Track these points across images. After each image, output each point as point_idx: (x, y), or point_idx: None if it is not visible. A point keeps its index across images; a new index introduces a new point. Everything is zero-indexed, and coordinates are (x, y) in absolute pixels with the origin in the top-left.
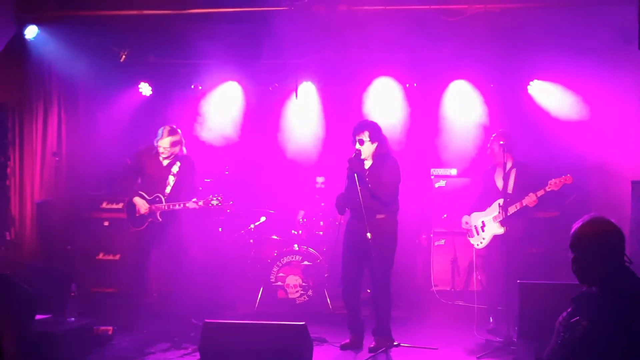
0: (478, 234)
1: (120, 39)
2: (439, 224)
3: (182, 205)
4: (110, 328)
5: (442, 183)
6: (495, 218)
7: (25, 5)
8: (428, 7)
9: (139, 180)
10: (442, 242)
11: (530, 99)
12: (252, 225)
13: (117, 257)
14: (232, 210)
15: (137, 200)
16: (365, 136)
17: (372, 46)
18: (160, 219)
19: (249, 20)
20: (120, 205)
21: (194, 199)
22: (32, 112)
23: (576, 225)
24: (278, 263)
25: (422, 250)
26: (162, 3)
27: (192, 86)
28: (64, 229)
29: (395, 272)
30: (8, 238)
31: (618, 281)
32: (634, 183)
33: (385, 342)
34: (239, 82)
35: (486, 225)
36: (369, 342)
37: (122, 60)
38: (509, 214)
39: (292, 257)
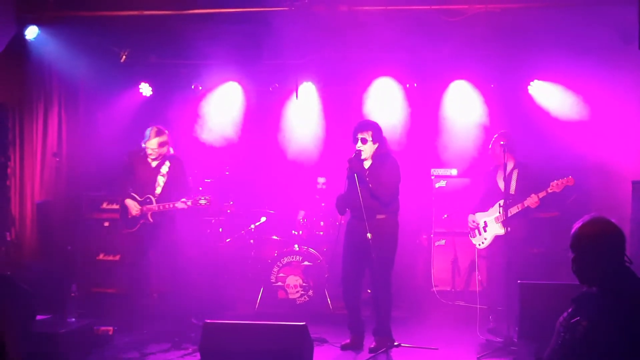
0: (480, 234)
1: (121, 39)
2: (439, 224)
3: (172, 205)
4: (111, 328)
5: (442, 183)
6: (497, 219)
7: (26, 6)
8: (428, 7)
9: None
10: (443, 242)
11: (530, 99)
12: (252, 226)
13: (117, 257)
14: (232, 211)
15: (129, 202)
16: (368, 135)
17: (372, 46)
18: (152, 220)
19: (249, 20)
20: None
21: (183, 199)
22: (32, 113)
23: (576, 226)
24: (278, 263)
25: (423, 251)
26: (163, 3)
27: (193, 86)
28: (64, 230)
29: (396, 272)
30: (8, 238)
31: (618, 281)
32: (634, 183)
33: (385, 342)
34: (239, 83)
35: (488, 226)
36: (370, 342)
37: (122, 60)
38: (510, 215)
39: (293, 258)
